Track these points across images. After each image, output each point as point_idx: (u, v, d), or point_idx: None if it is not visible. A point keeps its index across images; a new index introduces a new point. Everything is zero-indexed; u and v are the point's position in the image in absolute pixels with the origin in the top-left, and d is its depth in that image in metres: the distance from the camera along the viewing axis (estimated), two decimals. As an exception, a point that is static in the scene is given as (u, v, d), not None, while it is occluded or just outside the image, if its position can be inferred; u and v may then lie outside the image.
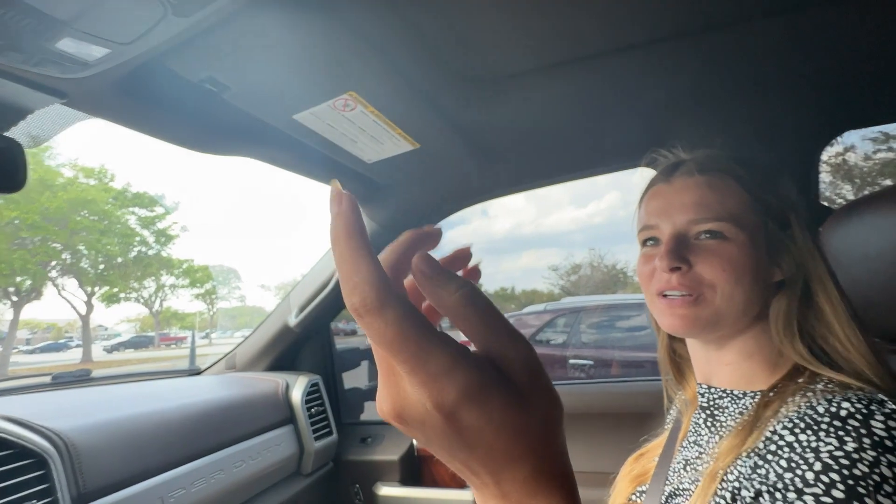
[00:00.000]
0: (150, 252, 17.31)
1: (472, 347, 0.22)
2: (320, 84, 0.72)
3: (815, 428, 0.39)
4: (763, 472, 0.40)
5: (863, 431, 0.36)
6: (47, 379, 1.14)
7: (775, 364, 0.50)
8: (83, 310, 16.97)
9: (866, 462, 0.35)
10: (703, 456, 0.51)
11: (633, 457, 0.67)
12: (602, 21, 0.68)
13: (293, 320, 1.45)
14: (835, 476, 0.35)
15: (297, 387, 1.34)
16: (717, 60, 0.78)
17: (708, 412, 0.54)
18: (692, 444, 0.55)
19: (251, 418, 1.12)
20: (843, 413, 0.38)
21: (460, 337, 0.24)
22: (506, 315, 0.23)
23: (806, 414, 0.40)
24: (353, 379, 1.71)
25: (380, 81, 0.74)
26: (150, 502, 0.76)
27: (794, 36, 0.72)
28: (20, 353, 22.95)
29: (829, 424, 0.38)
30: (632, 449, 0.68)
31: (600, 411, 1.25)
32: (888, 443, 0.35)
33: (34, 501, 0.66)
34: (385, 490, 1.40)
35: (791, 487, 0.37)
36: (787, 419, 0.42)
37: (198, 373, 1.56)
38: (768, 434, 0.42)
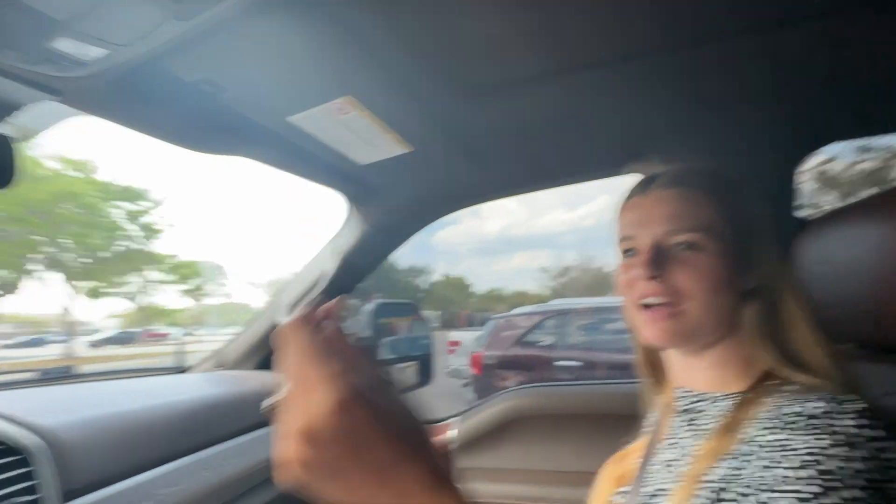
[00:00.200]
0: (136, 246, 16.97)
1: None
2: (316, 87, 0.73)
3: (791, 427, 0.41)
4: (742, 472, 0.42)
5: (836, 429, 0.39)
6: (32, 375, 1.13)
7: (749, 368, 0.52)
8: (67, 304, 16.61)
9: (840, 457, 0.37)
10: (684, 458, 0.53)
11: (614, 458, 0.69)
12: (587, 34, 0.70)
13: (284, 319, 1.45)
14: (811, 472, 0.37)
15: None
16: (696, 75, 0.81)
17: (686, 415, 0.56)
18: (672, 446, 0.57)
19: (240, 416, 1.11)
20: (816, 412, 0.41)
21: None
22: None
23: (781, 414, 0.43)
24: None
25: (375, 86, 0.75)
26: (138, 499, 0.75)
27: (771, 52, 0.75)
28: (2, 347, 22.40)
29: (805, 424, 0.40)
30: (618, 449, 0.70)
31: (587, 412, 1.26)
32: (859, 438, 0.38)
33: (19, 498, 0.66)
34: None
35: (770, 486, 0.39)
36: (764, 420, 0.44)
37: (185, 370, 1.55)
38: (746, 435, 0.44)
